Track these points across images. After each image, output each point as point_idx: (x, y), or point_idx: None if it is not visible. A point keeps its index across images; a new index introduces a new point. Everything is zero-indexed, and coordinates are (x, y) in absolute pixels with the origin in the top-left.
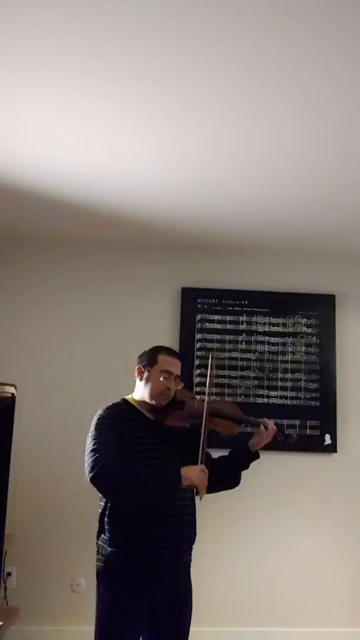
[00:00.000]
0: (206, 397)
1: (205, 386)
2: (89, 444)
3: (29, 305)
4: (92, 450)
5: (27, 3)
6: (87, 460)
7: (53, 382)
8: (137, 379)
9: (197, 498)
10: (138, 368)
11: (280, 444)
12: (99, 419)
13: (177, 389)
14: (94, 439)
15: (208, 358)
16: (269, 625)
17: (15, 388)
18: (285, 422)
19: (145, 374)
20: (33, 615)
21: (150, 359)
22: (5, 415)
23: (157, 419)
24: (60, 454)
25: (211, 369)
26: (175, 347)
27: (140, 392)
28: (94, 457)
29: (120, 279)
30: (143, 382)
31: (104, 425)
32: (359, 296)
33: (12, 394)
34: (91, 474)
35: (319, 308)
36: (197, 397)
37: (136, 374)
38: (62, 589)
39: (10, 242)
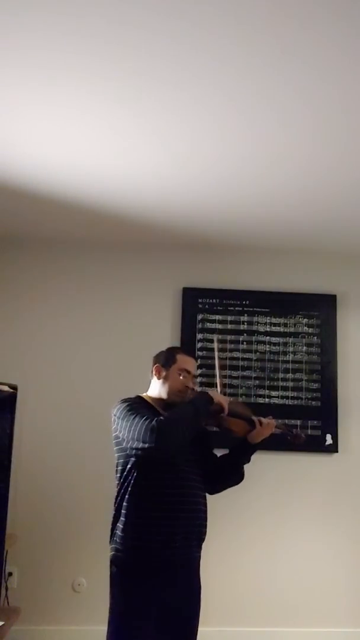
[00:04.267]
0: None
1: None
2: (127, 418)
3: (30, 305)
4: (134, 419)
5: (28, 3)
6: (134, 429)
7: (54, 381)
8: (155, 378)
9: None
10: (156, 367)
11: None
12: (123, 402)
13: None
14: (129, 412)
15: (210, 359)
16: (270, 626)
17: (17, 388)
18: (287, 422)
19: (164, 373)
20: (34, 615)
21: (168, 358)
22: (6, 415)
23: None
24: (62, 453)
25: (218, 351)
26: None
27: (157, 390)
28: (140, 422)
29: (121, 279)
30: (161, 380)
31: (131, 403)
32: None
33: (14, 394)
34: (153, 436)
35: (320, 308)
36: None
37: (154, 372)
38: (63, 589)
39: (11, 242)
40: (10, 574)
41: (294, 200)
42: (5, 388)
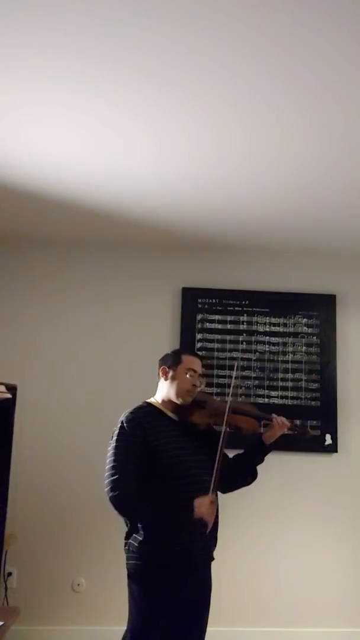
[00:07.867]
0: (230, 394)
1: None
2: (109, 457)
3: (29, 304)
4: (112, 468)
5: (28, 3)
6: (107, 477)
7: (54, 381)
8: (162, 379)
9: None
10: (162, 368)
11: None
12: (120, 427)
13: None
14: (114, 454)
15: (209, 359)
16: (269, 626)
17: (16, 388)
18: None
19: (171, 373)
20: (34, 615)
21: (174, 359)
22: (5, 415)
23: (182, 416)
24: (61, 453)
25: (236, 370)
26: (176, 347)
27: (165, 392)
28: (113, 478)
29: (120, 279)
30: (168, 381)
31: (125, 434)
32: None
33: (13, 394)
34: (110, 495)
35: (320, 308)
36: (217, 398)
37: (160, 374)
38: (62, 589)
39: (11, 242)
40: (9, 573)
41: (293, 201)
42: (8, 392)
